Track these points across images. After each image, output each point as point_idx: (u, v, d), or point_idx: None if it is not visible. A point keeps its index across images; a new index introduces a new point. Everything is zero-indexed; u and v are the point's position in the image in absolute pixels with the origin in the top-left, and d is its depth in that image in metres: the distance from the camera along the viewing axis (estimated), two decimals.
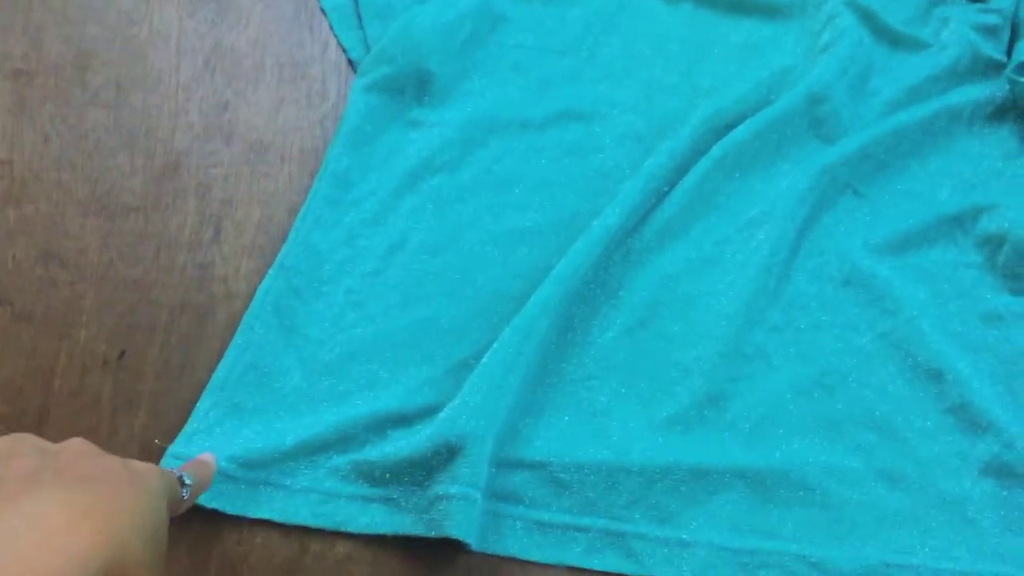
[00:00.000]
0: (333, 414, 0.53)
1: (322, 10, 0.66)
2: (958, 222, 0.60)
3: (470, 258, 0.59)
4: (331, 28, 0.65)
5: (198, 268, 0.58)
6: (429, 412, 0.54)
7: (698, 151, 0.61)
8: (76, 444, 0.35)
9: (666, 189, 0.60)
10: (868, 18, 0.64)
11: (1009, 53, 0.64)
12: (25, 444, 0.34)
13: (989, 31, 0.64)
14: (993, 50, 0.64)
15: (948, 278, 0.58)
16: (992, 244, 0.58)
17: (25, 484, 0.31)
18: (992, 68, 0.64)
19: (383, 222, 0.59)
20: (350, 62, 0.64)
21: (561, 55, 0.66)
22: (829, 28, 0.64)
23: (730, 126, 0.61)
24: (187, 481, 0.41)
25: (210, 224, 0.59)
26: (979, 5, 0.66)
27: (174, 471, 0.41)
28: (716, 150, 0.60)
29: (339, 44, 0.65)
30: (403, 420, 0.54)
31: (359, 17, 0.65)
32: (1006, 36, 0.65)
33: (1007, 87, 0.62)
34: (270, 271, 0.57)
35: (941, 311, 0.57)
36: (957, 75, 0.64)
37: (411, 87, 0.62)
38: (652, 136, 0.63)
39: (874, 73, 0.64)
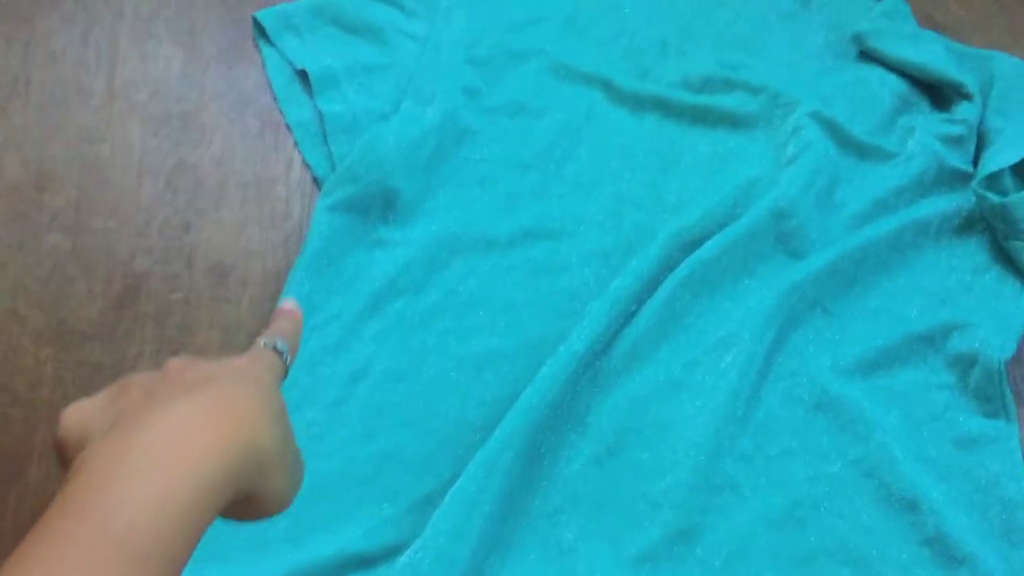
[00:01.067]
0: (292, 560, 0.52)
1: (287, 126, 0.66)
2: (929, 341, 0.59)
3: (434, 385, 0.57)
4: (296, 145, 0.65)
5: None
6: (392, 552, 0.52)
7: (666, 268, 0.60)
8: (176, 361, 0.35)
9: (634, 308, 0.59)
10: (833, 129, 0.64)
11: (975, 162, 0.64)
12: (131, 378, 0.34)
13: (954, 141, 0.64)
14: (959, 160, 0.64)
15: (920, 400, 0.57)
16: (963, 364, 0.58)
17: (145, 405, 0.31)
18: (958, 179, 0.64)
19: (346, 348, 0.58)
20: (315, 180, 0.64)
21: (528, 169, 0.65)
22: (794, 140, 0.64)
23: (697, 242, 0.61)
24: (281, 348, 0.40)
25: (169, 353, 0.58)
26: (944, 115, 0.66)
27: (266, 344, 0.40)
28: (683, 268, 0.60)
29: (304, 162, 0.64)
30: (364, 562, 0.52)
31: (324, 134, 0.65)
32: (972, 146, 0.65)
33: (974, 199, 0.62)
34: None
35: (913, 435, 0.56)
36: (924, 186, 0.64)
37: (376, 206, 0.62)
38: (619, 254, 0.62)
39: (840, 185, 0.64)
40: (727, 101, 0.67)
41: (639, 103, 0.68)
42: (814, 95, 0.66)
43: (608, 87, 0.68)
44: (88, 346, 0.58)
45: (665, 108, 0.67)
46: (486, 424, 0.55)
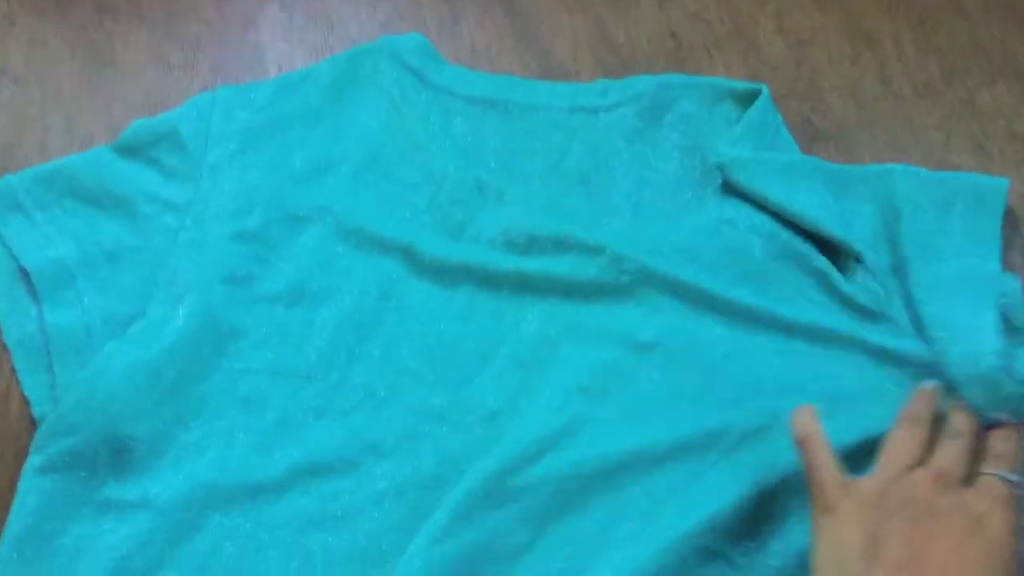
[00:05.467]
0: None
1: (4, 345, 0.53)
2: None
3: None
4: (13, 370, 0.52)
5: None
6: None
7: (488, 509, 0.47)
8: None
9: None
10: (698, 300, 0.51)
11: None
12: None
13: (867, 316, 0.51)
14: (885, 338, 0.50)
15: None
16: None
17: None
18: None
19: None
20: (34, 421, 0.51)
21: (306, 379, 0.52)
22: (651, 321, 0.51)
23: (521, 483, 0.47)
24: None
25: None
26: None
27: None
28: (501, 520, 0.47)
29: (23, 395, 0.51)
30: None
31: (50, 355, 0.52)
32: (899, 314, 0.51)
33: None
34: None
35: None
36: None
37: (103, 458, 0.49)
38: (417, 490, 0.49)
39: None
40: (558, 266, 0.53)
41: (448, 274, 0.54)
42: (668, 249, 0.52)
43: (410, 255, 0.54)
44: None
45: (481, 278, 0.54)
46: None
